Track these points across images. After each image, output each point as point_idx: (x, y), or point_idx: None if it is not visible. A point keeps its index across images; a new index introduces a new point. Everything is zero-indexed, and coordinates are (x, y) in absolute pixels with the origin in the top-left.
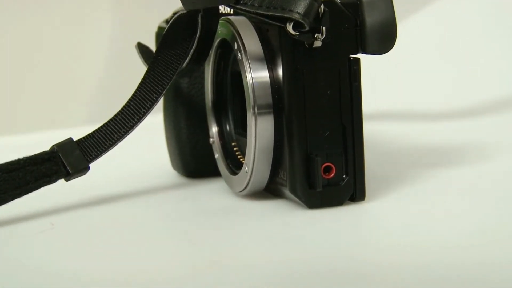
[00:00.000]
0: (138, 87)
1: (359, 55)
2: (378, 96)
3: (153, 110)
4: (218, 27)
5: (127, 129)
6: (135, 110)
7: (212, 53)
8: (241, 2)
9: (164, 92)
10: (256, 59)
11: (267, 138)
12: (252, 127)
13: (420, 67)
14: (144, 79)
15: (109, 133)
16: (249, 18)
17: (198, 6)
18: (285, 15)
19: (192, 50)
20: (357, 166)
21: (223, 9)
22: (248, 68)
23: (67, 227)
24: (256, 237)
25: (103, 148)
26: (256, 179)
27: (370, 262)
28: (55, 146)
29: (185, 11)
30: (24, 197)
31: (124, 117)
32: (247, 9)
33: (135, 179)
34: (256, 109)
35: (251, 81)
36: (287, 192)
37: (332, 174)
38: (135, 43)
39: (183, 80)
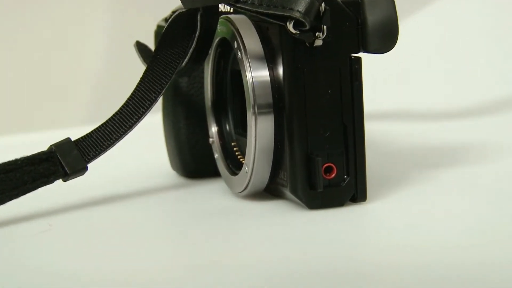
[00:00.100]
0: (137, 86)
1: (360, 54)
2: (379, 95)
3: (152, 110)
4: (218, 25)
5: (125, 129)
6: (133, 110)
7: (211, 52)
8: (241, 0)
9: (163, 91)
10: (256, 58)
11: (267, 138)
12: (252, 127)
13: (421, 66)
14: (143, 78)
15: (108, 133)
16: (249, 17)
17: (198, 5)
18: (285, 14)
19: (191, 49)
20: (358, 166)
21: (222, 7)
22: (248, 67)
23: (65, 228)
24: (256, 237)
25: (102, 148)
26: (256, 180)
27: (371, 263)
28: (53, 146)
29: (184, 10)
30: (21, 197)
31: (123, 117)
32: (247, 7)
33: (133, 179)
34: (256, 109)
35: (251, 80)
36: (287, 192)
37: (333, 175)
38: (134, 42)
39: (182, 79)
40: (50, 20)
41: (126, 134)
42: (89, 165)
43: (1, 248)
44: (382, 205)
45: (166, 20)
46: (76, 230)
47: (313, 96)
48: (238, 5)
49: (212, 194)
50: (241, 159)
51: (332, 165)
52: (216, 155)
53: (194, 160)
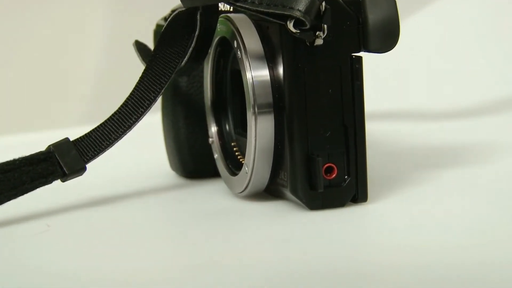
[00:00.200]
0: (136, 86)
1: (361, 54)
2: (380, 95)
3: (151, 110)
4: (218, 24)
5: (124, 128)
6: (132, 110)
7: (211, 51)
8: None
9: (163, 91)
10: (256, 57)
11: (268, 138)
12: (252, 126)
13: (421, 66)
14: (142, 77)
15: (106, 133)
16: (249, 16)
17: (197, 4)
18: (285, 13)
19: (191, 48)
20: (359, 167)
21: (222, 6)
22: (248, 67)
23: (64, 228)
24: (256, 238)
25: (100, 148)
26: (256, 180)
27: (371, 263)
28: (51, 146)
29: (183, 9)
30: (19, 198)
31: (122, 117)
32: (247, 6)
33: (132, 179)
34: (256, 109)
35: (251, 80)
36: (287, 193)
37: (334, 175)
38: (133, 41)
39: (181, 79)
40: (49, 19)
41: (125, 134)
42: (88, 165)
43: None
44: (383, 206)
45: (165, 19)
46: (75, 230)
47: (313, 96)
48: (238, 4)
49: (211, 194)
50: (241, 159)
51: (332, 165)
52: (215, 155)
53: (193, 160)
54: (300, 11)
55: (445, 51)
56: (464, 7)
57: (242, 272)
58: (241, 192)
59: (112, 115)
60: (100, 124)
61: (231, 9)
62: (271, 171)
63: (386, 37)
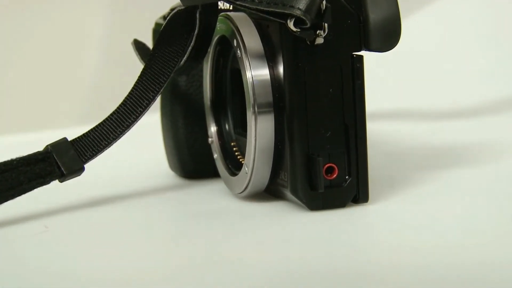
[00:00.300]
0: (135, 85)
1: (362, 53)
2: (381, 94)
3: (150, 109)
4: (217, 23)
5: (123, 128)
6: (131, 109)
7: (210, 50)
8: None
9: (161, 90)
10: (256, 56)
11: (268, 138)
12: (252, 126)
13: (422, 66)
14: (140, 77)
15: (105, 132)
16: (249, 14)
17: (197, 2)
18: (286, 11)
19: (190, 47)
20: (360, 167)
21: (222, 5)
22: (248, 66)
23: (62, 229)
24: (256, 238)
25: (99, 148)
26: (256, 180)
27: (372, 264)
28: (49, 146)
29: (183, 7)
30: (17, 198)
31: (120, 116)
32: (247, 5)
33: (131, 180)
34: (256, 108)
35: (251, 79)
36: (288, 193)
37: (335, 175)
38: (132, 40)
39: (181, 78)
40: (46, 18)
41: (124, 134)
42: (86, 166)
43: None
44: (384, 206)
45: (164, 17)
46: (73, 231)
47: (314, 95)
48: (237, 2)
49: (211, 195)
50: (240, 160)
51: (333, 165)
52: (215, 155)
53: (192, 160)
54: (300, 9)
55: (445, 51)
56: (464, 7)
57: (242, 272)
58: (241, 193)
59: (111, 114)
60: (99, 124)
61: (231, 8)
62: (271, 171)
63: (387, 36)
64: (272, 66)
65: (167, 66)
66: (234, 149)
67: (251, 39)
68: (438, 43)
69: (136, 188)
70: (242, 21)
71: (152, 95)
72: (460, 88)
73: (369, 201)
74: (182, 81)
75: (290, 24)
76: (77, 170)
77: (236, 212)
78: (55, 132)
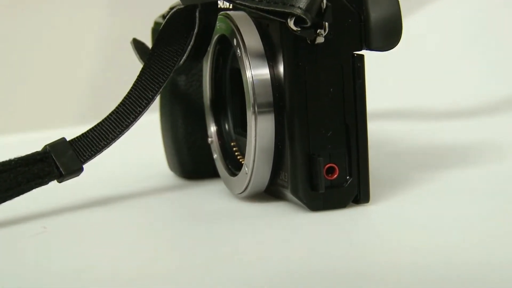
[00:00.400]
0: (134, 85)
1: (363, 52)
2: (382, 94)
3: (149, 109)
4: (217, 22)
5: (122, 128)
6: (130, 109)
7: (210, 49)
8: None
9: (161, 90)
10: (256, 55)
11: (268, 137)
12: (252, 126)
13: (424, 65)
14: (139, 76)
15: (104, 132)
16: (249, 13)
17: (196, 1)
18: (286, 10)
19: (189, 47)
20: (361, 167)
21: (222, 3)
22: (248, 65)
23: (60, 230)
24: (256, 239)
25: (97, 149)
26: (256, 181)
27: (373, 265)
28: (47, 146)
29: (182, 6)
30: (15, 199)
31: (119, 116)
32: (246, 3)
33: (130, 180)
34: (256, 108)
35: (251, 79)
36: (288, 194)
37: (335, 175)
38: (131, 39)
39: (180, 77)
40: (45, 17)
41: (123, 134)
42: (84, 166)
43: None
44: (385, 207)
45: (163, 16)
46: (71, 232)
47: (314, 95)
48: (237, 1)
49: (210, 195)
50: (240, 160)
51: (334, 165)
52: (215, 156)
53: (192, 160)
54: (301, 8)
55: (445, 51)
56: (464, 6)
57: (242, 272)
58: (240, 193)
59: (110, 114)
60: (97, 124)
61: (231, 7)
62: (271, 172)
63: (388, 35)
64: (272, 66)
65: (166, 65)
66: (234, 149)
67: (251, 38)
68: (438, 43)
69: (135, 188)
70: (242, 20)
71: (151, 95)
72: (460, 88)
73: (370, 201)
74: (181, 80)
75: (291, 23)
76: (76, 170)
77: (236, 212)
78: (53, 132)
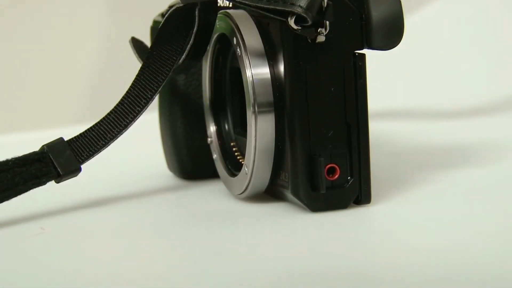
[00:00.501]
0: (132, 84)
1: (364, 51)
2: (384, 93)
3: (148, 109)
4: (217, 21)
5: (120, 128)
6: (129, 109)
7: (210, 48)
8: None
9: (160, 89)
10: (256, 54)
11: (268, 138)
12: (252, 126)
13: (424, 65)
14: (138, 76)
15: (102, 132)
16: (249, 12)
17: None
18: (286, 9)
19: (189, 46)
20: (362, 167)
21: (221, 2)
22: (248, 64)
23: (58, 230)
24: (257, 240)
25: (96, 149)
26: (256, 181)
27: (374, 266)
28: (45, 146)
29: (181, 4)
30: (12, 199)
31: (118, 116)
32: (246, 2)
33: (129, 181)
34: (256, 108)
35: (251, 78)
36: (289, 194)
37: (336, 176)
38: (129, 38)
39: (179, 77)
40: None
41: (121, 134)
42: (82, 166)
43: None
44: (387, 208)
45: (162, 15)
46: (69, 232)
47: (315, 95)
48: (237, 0)
49: (210, 196)
50: (240, 160)
51: (335, 165)
52: (214, 156)
53: (191, 161)
54: (301, 7)
55: (445, 51)
56: (464, 6)
57: (242, 272)
58: (240, 194)
59: (108, 114)
60: (96, 124)
61: (231, 5)
62: (272, 172)
63: (390, 34)
64: (272, 65)
65: (165, 64)
66: (234, 149)
67: (251, 37)
68: (439, 43)
69: (134, 189)
70: (242, 18)
71: (150, 94)
72: (460, 88)
73: (371, 202)
74: (180, 80)
75: (291, 22)
76: (74, 170)
77: (235, 213)
78: (51, 131)
